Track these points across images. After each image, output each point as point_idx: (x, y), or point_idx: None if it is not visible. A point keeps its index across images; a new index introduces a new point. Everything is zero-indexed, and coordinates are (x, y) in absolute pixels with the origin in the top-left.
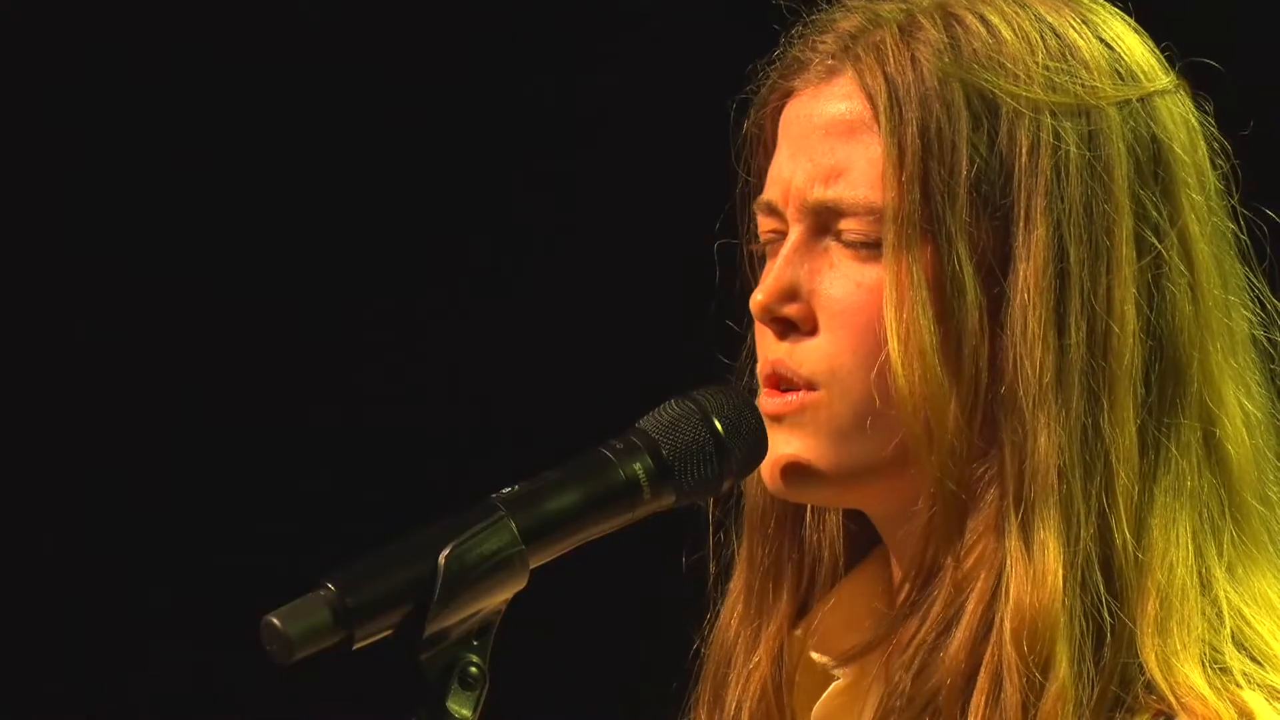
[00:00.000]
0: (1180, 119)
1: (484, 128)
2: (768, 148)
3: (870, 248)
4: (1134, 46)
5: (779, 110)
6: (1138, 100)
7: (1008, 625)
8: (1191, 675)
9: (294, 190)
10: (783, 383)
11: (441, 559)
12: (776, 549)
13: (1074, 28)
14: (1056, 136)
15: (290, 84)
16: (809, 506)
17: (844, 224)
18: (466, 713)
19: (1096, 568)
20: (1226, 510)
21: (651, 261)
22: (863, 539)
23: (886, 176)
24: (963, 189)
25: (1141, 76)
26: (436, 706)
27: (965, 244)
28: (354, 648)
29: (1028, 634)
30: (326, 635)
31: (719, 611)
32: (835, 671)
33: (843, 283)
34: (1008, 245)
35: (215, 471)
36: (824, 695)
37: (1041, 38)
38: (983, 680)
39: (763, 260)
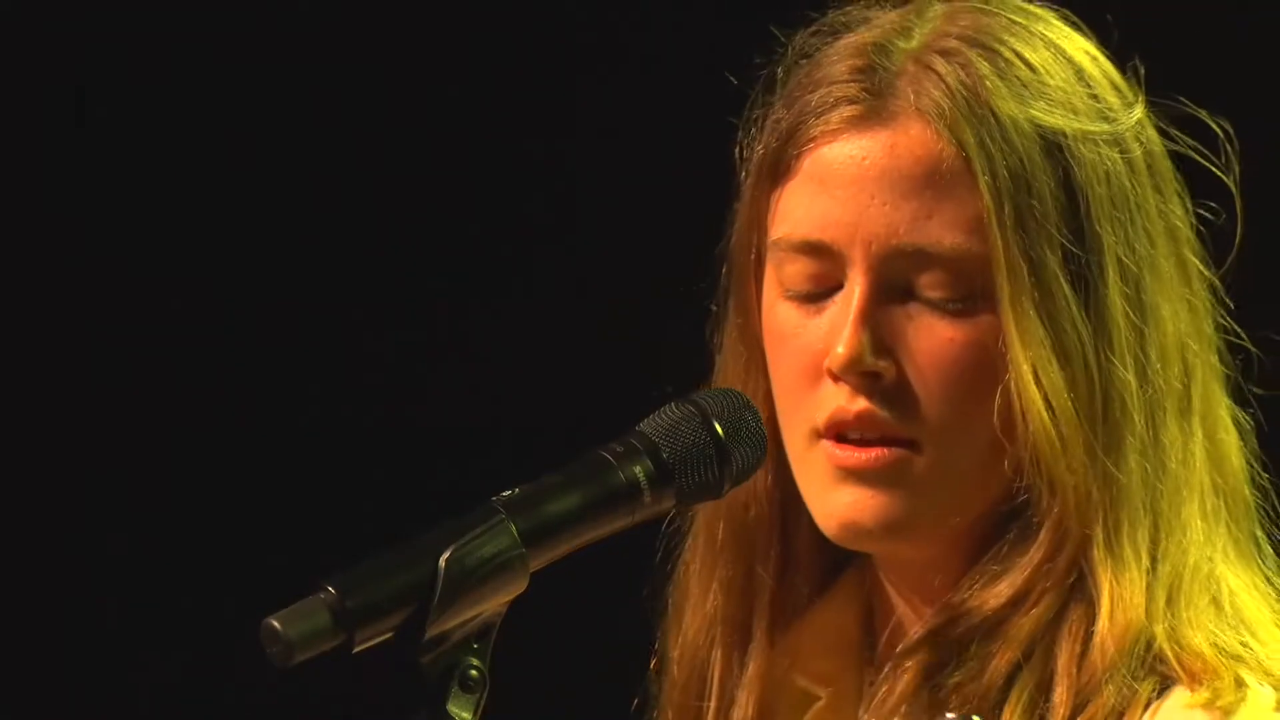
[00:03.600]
0: (1154, 130)
1: (482, 128)
2: (778, 181)
3: (957, 303)
4: (1105, 60)
5: (805, 151)
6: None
7: (1098, 639)
8: (1198, 643)
9: (293, 190)
10: (865, 430)
11: (442, 562)
12: (773, 575)
13: (1069, 46)
14: (1111, 166)
15: (289, 84)
16: (781, 527)
17: (925, 282)
18: (467, 716)
19: (1164, 582)
20: (1223, 500)
21: (653, 264)
22: (826, 561)
23: (989, 220)
24: (1054, 229)
25: (1128, 91)
26: (437, 709)
27: (1067, 282)
28: (354, 650)
29: (1116, 648)
30: (326, 638)
31: (674, 631)
32: (818, 693)
33: (933, 339)
34: (1095, 280)
35: (215, 472)
36: (807, 716)
37: (1061, 63)
38: (1025, 681)
39: (758, 280)
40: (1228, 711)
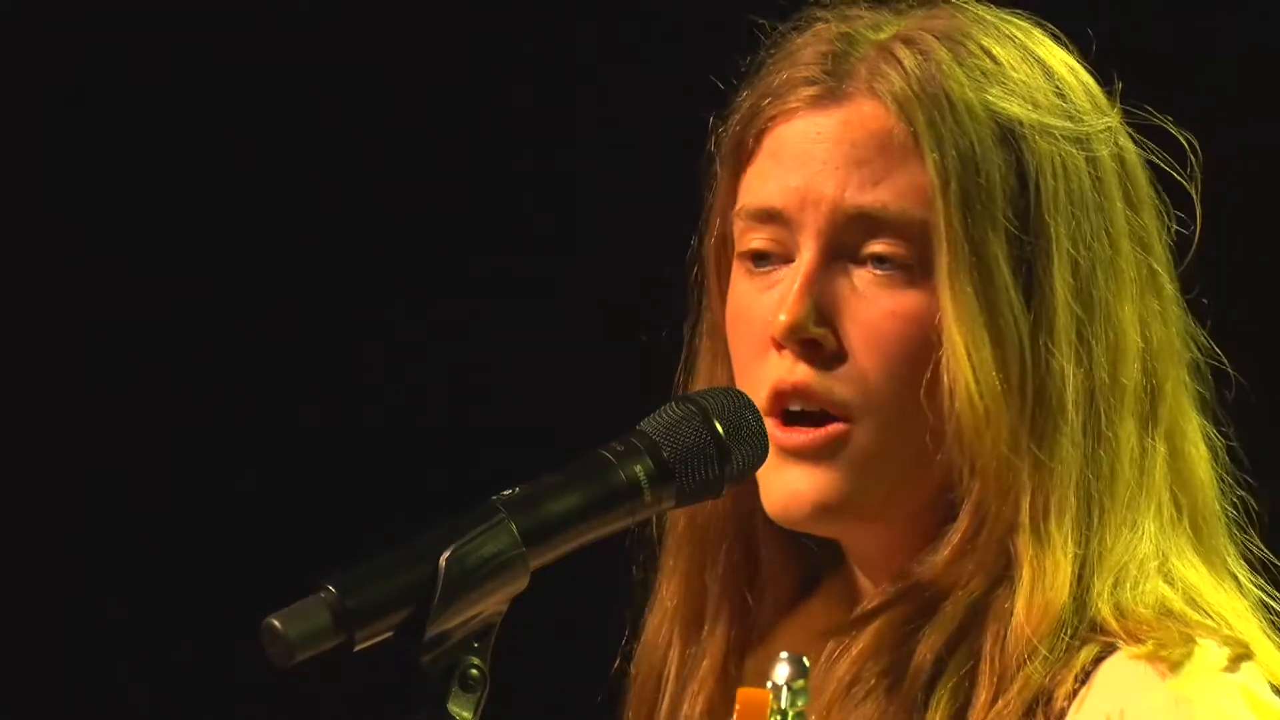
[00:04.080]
0: (1131, 144)
1: (483, 130)
2: (742, 164)
3: (902, 271)
4: (1085, 73)
5: (765, 130)
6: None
7: (1016, 620)
8: (1143, 613)
9: (293, 190)
10: (802, 401)
11: (442, 561)
12: (725, 573)
13: (1045, 52)
14: (1070, 162)
15: (290, 84)
16: (761, 531)
17: (873, 246)
18: (467, 715)
19: (1092, 565)
20: (1184, 516)
21: (654, 264)
22: (812, 559)
23: (934, 198)
24: (1000, 213)
25: (1104, 103)
26: (437, 709)
27: (1008, 266)
28: (354, 650)
29: (1033, 628)
30: (327, 637)
31: (641, 631)
32: None
33: (874, 309)
34: (1040, 268)
35: (215, 472)
36: None
37: (1030, 62)
38: (953, 666)
39: (722, 273)
40: (1174, 664)
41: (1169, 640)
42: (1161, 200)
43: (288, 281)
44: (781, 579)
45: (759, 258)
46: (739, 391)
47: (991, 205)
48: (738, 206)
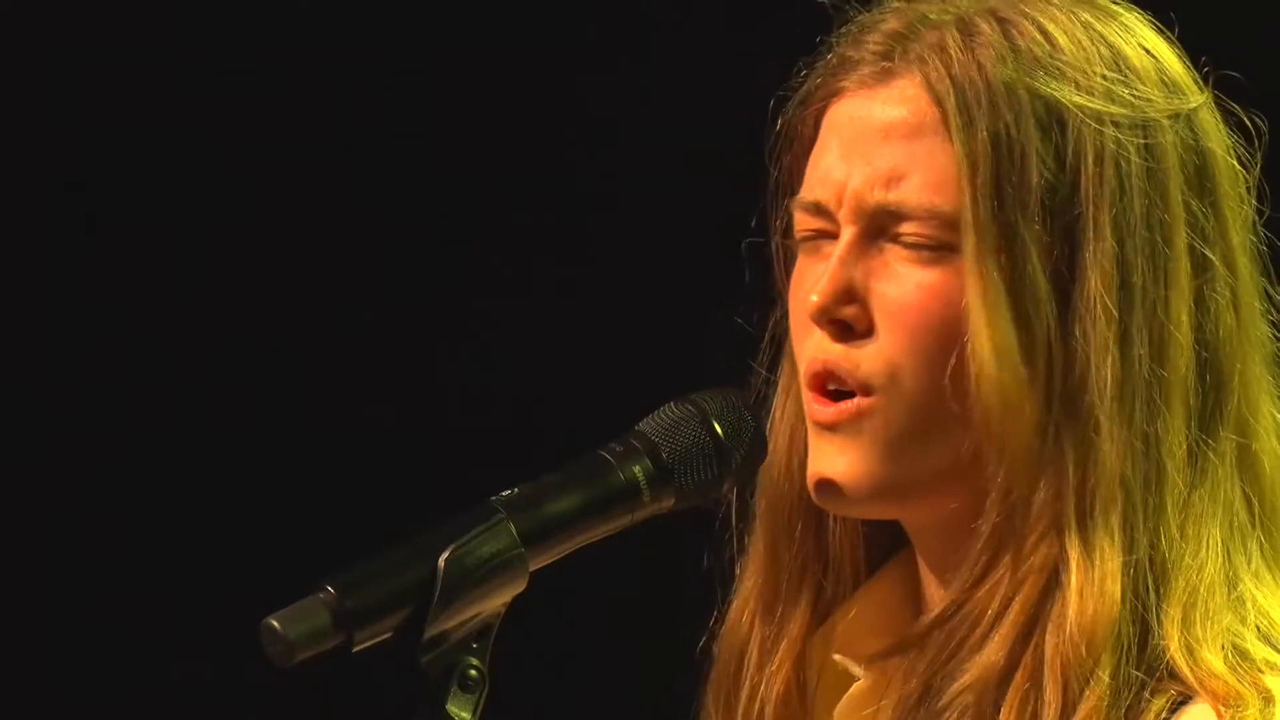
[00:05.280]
0: (1215, 130)
1: (485, 128)
2: (805, 145)
3: (931, 250)
4: (1171, 57)
5: (823, 110)
6: (1185, 112)
7: (1068, 628)
8: (1213, 661)
9: (295, 189)
10: (834, 382)
11: (441, 561)
12: (799, 552)
13: (1121, 37)
14: (1119, 148)
15: (289, 84)
16: (810, 500)
17: (904, 227)
18: (466, 715)
19: (1148, 574)
20: (1256, 519)
21: (656, 263)
22: (880, 544)
23: (961, 183)
24: (1033, 198)
25: (1184, 88)
26: (436, 709)
27: (1038, 252)
28: (354, 650)
29: (1086, 641)
30: (326, 638)
31: (726, 613)
32: (857, 673)
33: (901, 284)
34: (1075, 256)
35: (216, 472)
36: (845, 696)
37: (1095, 46)
38: (1019, 680)
39: (790, 255)
40: None
41: (1245, 702)
42: (1245, 193)
43: (289, 281)
44: (849, 557)
45: (811, 238)
46: (739, 392)
47: (1024, 190)
48: (796, 197)
